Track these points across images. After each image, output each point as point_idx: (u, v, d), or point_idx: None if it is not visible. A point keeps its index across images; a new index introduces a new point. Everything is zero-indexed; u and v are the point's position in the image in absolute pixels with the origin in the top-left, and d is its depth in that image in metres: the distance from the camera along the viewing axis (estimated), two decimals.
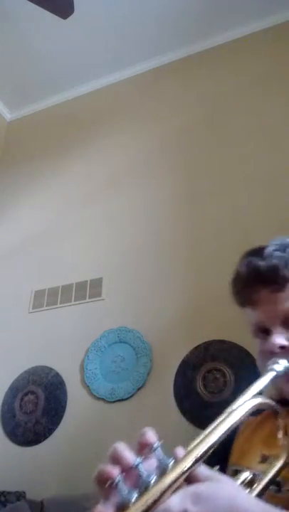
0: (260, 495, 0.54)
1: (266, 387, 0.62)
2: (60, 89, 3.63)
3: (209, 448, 0.48)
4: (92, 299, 2.56)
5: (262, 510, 0.47)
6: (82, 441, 2.14)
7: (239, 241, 2.36)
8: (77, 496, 1.81)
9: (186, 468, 0.45)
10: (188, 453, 0.47)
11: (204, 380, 2.06)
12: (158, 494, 0.43)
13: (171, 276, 2.44)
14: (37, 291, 2.75)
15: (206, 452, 0.47)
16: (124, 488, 0.44)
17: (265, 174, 2.54)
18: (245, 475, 0.56)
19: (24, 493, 2.05)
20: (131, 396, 2.18)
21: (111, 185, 2.99)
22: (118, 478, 0.45)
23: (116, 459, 0.47)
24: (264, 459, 0.67)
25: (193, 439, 0.50)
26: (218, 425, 0.51)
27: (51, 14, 2.52)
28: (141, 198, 2.83)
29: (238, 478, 0.56)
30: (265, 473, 0.57)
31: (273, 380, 0.65)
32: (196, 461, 0.46)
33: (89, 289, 2.60)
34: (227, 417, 0.53)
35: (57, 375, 2.39)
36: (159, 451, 0.47)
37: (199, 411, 1.97)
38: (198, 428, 1.90)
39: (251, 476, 0.56)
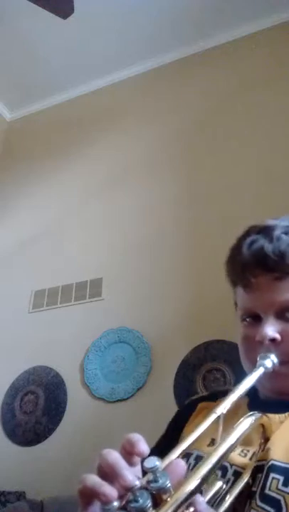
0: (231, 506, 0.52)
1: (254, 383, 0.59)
2: (60, 89, 3.64)
3: (209, 472, 0.43)
4: (92, 299, 2.56)
5: None
6: (82, 441, 2.14)
7: None
8: (77, 496, 1.81)
9: (184, 499, 0.39)
10: (186, 481, 0.41)
11: (204, 380, 2.06)
12: None
13: (172, 277, 2.44)
14: (37, 291, 2.75)
15: (205, 478, 0.42)
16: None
17: (266, 174, 2.54)
18: (219, 484, 0.53)
19: (24, 493, 2.05)
20: (131, 396, 2.18)
21: (111, 185, 2.99)
22: (115, 505, 0.40)
23: (112, 476, 0.42)
24: (212, 442, 0.63)
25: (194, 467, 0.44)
26: (219, 447, 0.47)
27: (51, 14, 2.51)
28: (141, 198, 2.83)
29: (213, 488, 0.52)
30: (234, 485, 0.55)
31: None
32: (196, 489, 0.41)
33: (89, 289, 2.60)
34: (227, 437, 0.49)
35: (57, 375, 2.39)
36: (158, 475, 0.41)
37: None
38: None
39: (224, 486, 0.54)
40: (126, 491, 0.41)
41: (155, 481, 0.40)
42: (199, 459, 0.59)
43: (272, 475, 0.55)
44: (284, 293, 0.65)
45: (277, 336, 0.64)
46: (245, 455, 0.59)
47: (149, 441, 0.47)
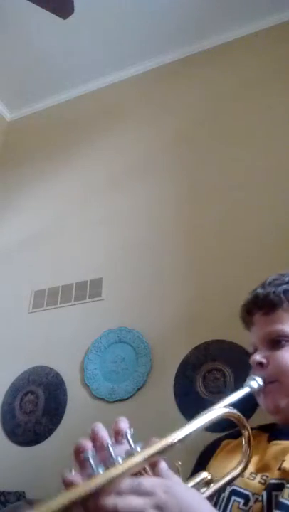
0: (213, 495, 0.63)
1: (240, 400, 0.70)
2: (60, 89, 3.64)
3: (173, 443, 0.56)
4: (92, 299, 2.56)
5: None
6: None
7: (240, 241, 2.36)
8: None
9: (148, 457, 0.53)
10: (153, 444, 0.55)
11: (204, 380, 2.06)
12: (120, 472, 0.50)
13: (172, 277, 2.44)
14: (37, 291, 2.75)
15: (169, 446, 0.56)
16: (93, 461, 0.52)
17: (266, 173, 2.54)
18: (204, 475, 0.64)
19: (24, 493, 2.05)
20: (131, 396, 2.17)
21: (111, 185, 2.99)
22: (89, 453, 0.53)
23: (92, 437, 0.58)
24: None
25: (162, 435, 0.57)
26: (186, 425, 0.60)
27: (51, 14, 2.51)
28: (141, 198, 2.83)
29: (197, 477, 0.65)
30: (222, 477, 0.65)
31: (257, 398, 0.77)
32: (159, 452, 0.54)
33: (89, 289, 2.60)
34: (195, 419, 0.63)
35: (57, 375, 2.39)
36: (130, 438, 0.56)
37: (199, 411, 1.97)
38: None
39: (209, 477, 0.65)
40: (103, 447, 0.55)
41: (130, 446, 0.55)
42: (223, 490, 0.70)
43: (287, 485, 0.63)
44: (270, 324, 0.83)
45: (263, 360, 0.80)
46: (265, 481, 0.68)
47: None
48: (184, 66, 3.29)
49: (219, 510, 0.67)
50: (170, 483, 0.53)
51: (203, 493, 0.61)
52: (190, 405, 2.02)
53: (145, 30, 3.18)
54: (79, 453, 0.54)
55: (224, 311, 2.18)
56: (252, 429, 0.71)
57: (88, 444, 0.55)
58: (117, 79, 3.51)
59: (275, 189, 2.45)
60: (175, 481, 0.55)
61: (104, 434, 0.57)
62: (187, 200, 2.67)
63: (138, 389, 2.18)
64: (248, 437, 0.67)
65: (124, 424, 0.58)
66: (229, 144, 2.78)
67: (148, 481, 0.52)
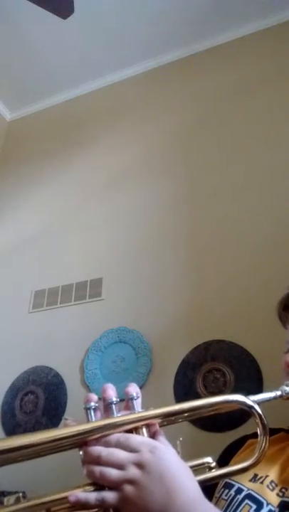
0: (211, 480, 0.61)
1: (266, 400, 0.68)
2: (60, 89, 3.64)
3: (172, 413, 0.60)
4: (92, 299, 2.56)
5: (198, 495, 0.53)
6: None
7: (239, 241, 2.36)
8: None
9: (141, 418, 0.57)
10: (153, 410, 0.59)
11: (204, 380, 2.06)
12: (105, 423, 0.54)
13: (172, 276, 2.44)
14: (37, 291, 2.75)
15: (165, 415, 0.60)
16: (93, 413, 0.58)
17: (266, 173, 2.54)
18: (208, 459, 0.64)
19: (24, 493, 2.05)
20: None
21: (111, 185, 2.99)
22: (91, 404, 0.58)
23: (101, 393, 0.61)
24: (254, 478, 0.69)
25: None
26: (190, 402, 0.62)
27: (51, 14, 2.52)
28: (141, 198, 2.83)
29: (199, 460, 0.64)
30: (225, 467, 0.63)
31: None
32: (155, 417, 0.59)
33: (89, 289, 2.60)
34: (203, 399, 0.63)
35: (57, 375, 2.39)
36: (135, 402, 0.61)
37: None
38: (198, 428, 1.90)
39: (213, 464, 0.64)
40: (108, 402, 0.59)
41: (133, 407, 0.61)
42: (239, 492, 0.68)
43: None
44: None
45: None
46: (283, 495, 0.64)
47: None
48: (184, 66, 3.29)
49: (229, 511, 0.65)
50: (158, 446, 0.53)
51: (202, 475, 0.60)
52: None
53: (145, 30, 3.18)
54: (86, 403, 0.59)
55: (224, 311, 2.18)
56: (284, 430, 0.70)
57: (94, 398, 0.59)
58: (117, 79, 3.51)
59: (274, 189, 2.45)
60: (168, 448, 0.55)
61: (110, 392, 0.61)
62: (187, 201, 2.67)
63: None
64: (264, 439, 0.62)
65: (132, 389, 0.63)
66: (229, 144, 2.78)
67: (137, 438, 0.54)
